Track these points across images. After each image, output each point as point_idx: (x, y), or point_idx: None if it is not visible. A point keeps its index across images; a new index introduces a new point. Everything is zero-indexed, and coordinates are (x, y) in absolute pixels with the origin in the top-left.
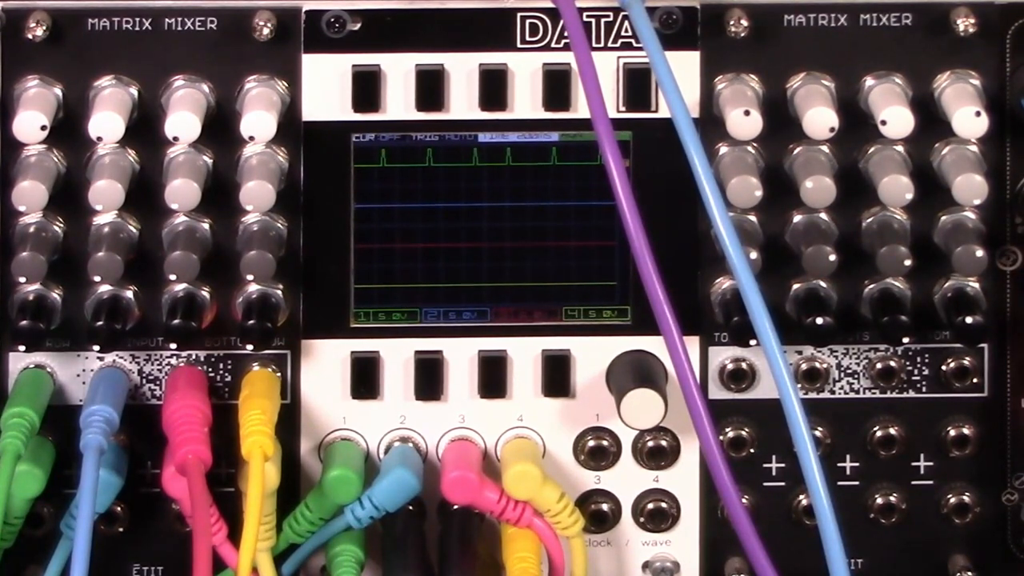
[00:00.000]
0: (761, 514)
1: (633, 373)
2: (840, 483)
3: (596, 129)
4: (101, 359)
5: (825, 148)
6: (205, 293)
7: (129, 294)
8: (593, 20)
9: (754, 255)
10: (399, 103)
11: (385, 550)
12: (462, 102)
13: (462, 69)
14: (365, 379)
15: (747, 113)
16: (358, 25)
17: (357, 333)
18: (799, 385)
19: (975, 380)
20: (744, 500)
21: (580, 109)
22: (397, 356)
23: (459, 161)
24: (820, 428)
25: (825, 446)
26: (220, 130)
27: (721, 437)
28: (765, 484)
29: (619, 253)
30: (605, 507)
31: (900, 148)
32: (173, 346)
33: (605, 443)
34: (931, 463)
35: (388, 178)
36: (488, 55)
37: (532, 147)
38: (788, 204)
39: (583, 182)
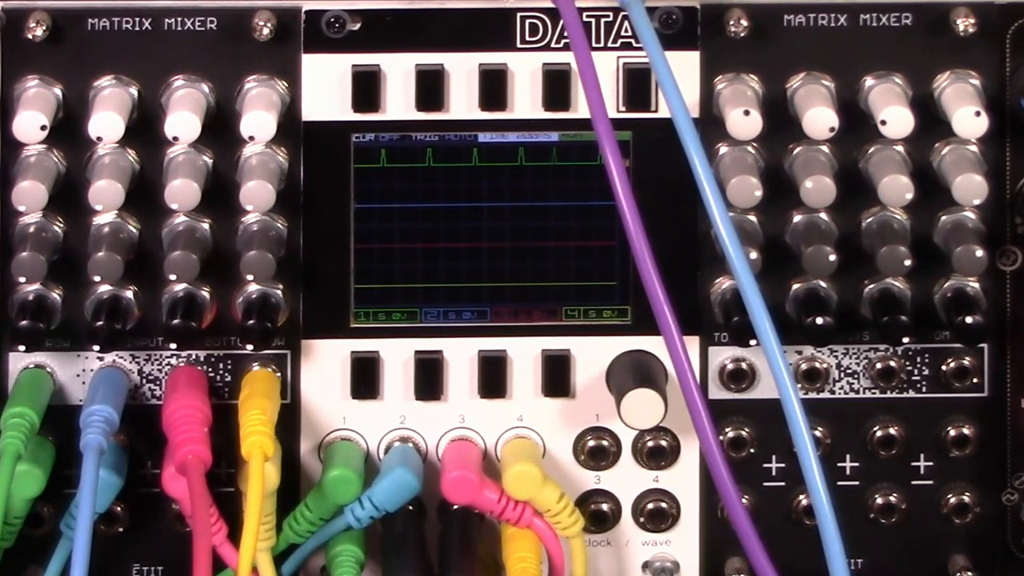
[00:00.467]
0: (761, 514)
1: (633, 373)
2: (840, 483)
3: (596, 129)
4: (101, 359)
5: (825, 148)
6: (205, 293)
7: (129, 294)
8: (593, 20)
9: (754, 255)
10: (399, 103)
11: (385, 550)
12: (462, 102)
13: (462, 69)
14: (365, 379)
15: (747, 113)
16: (358, 25)
17: (357, 333)
18: (799, 385)
19: (975, 380)
20: (744, 500)
21: (580, 109)
22: (397, 356)
23: (459, 161)
24: (820, 428)
25: (825, 446)
26: (220, 130)
27: (721, 437)
28: (765, 484)
29: (619, 253)
30: (605, 507)
31: (900, 148)
32: (173, 346)
33: (605, 443)
34: (931, 463)
35: (388, 178)
36: (488, 55)
37: (532, 147)
38: (788, 204)
39: (583, 182)
